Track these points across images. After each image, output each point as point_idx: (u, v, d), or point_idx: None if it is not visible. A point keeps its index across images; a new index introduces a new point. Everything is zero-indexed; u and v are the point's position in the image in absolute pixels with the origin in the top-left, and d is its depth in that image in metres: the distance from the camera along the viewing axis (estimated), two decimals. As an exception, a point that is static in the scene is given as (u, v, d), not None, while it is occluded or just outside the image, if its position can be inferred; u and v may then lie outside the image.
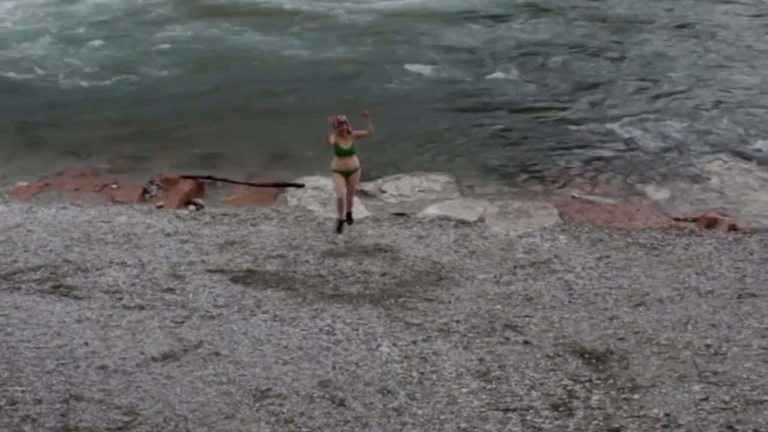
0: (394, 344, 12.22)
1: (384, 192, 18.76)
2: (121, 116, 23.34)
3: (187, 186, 18.63)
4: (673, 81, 25.30)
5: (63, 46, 28.26)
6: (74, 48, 28.14)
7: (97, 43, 28.59)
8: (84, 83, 25.67)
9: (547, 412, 10.62)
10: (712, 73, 25.75)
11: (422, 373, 11.47)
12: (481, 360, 11.80)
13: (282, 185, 19.10)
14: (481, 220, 17.16)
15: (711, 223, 16.68)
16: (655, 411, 10.51)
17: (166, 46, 28.38)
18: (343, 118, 16.24)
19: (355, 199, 17.33)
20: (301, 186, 18.90)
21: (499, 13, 32.13)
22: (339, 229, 16.58)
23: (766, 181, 19.12)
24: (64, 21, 30.66)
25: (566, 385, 11.17)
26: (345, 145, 16.26)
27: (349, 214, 16.82)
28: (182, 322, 12.83)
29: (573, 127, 22.20)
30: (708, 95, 24.19)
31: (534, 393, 11.02)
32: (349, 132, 16.23)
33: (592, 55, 27.53)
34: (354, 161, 16.42)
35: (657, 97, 24.18)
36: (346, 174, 16.42)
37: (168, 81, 25.77)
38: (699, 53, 27.48)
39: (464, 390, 11.10)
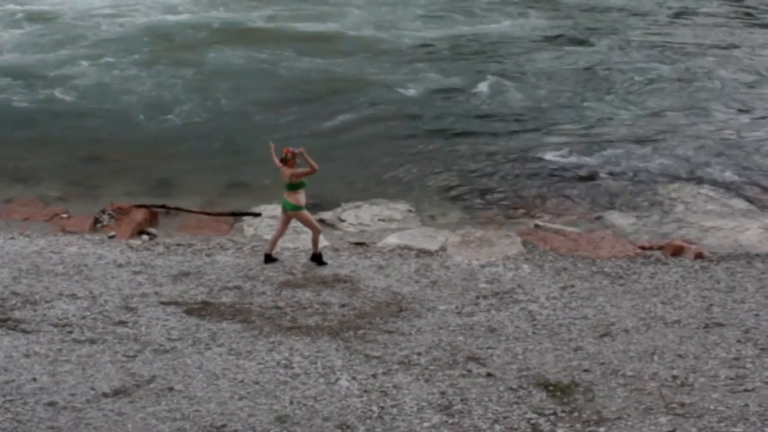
0: (354, 378, 11.99)
1: (343, 221, 18.54)
2: (72, 142, 22.98)
3: (140, 215, 18.29)
4: (641, 108, 25.37)
5: (33, 71, 27.96)
6: (43, 72, 27.85)
7: (66, 68, 28.27)
8: (37, 107, 25.28)
9: (511, 447, 10.42)
10: (681, 102, 25.84)
11: (382, 408, 11.24)
12: (442, 393, 11.58)
13: (238, 214, 18.84)
14: (443, 249, 16.97)
15: (677, 251, 16.59)
16: (623, 445, 10.35)
17: (125, 71, 28.04)
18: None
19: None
20: (257, 215, 18.64)
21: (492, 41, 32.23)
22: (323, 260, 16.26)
23: (732, 208, 19.09)
24: (49, 46, 30.49)
25: (530, 419, 10.97)
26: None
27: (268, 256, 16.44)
28: (134, 357, 12.56)
29: (538, 155, 22.12)
30: (675, 123, 24.23)
31: (497, 427, 10.81)
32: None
33: (567, 81, 27.57)
34: None
35: (623, 124, 24.18)
36: None
37: (122, 106, 25.42)
38: (676, 81, 27.63)
39: (426, 425, 10.86)
